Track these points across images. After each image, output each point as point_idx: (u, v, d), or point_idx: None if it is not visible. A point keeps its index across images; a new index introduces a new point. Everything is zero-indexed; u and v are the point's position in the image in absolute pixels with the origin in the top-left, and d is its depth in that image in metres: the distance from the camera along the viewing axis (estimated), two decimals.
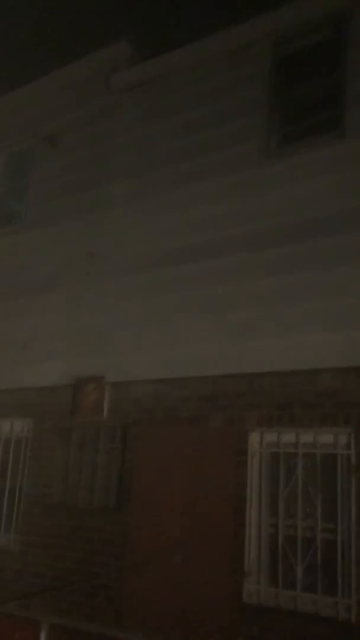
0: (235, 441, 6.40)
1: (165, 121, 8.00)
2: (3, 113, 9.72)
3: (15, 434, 8.28)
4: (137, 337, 7.38)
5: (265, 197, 6.93)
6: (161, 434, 6.95)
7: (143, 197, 7.89)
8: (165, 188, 7.72)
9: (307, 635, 5.54)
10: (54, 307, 8.23)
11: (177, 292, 7.22)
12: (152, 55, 8.24)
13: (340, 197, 6.41)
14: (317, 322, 6.20)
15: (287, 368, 6.27)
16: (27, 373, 8.15)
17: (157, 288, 7.40)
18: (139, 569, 6.50)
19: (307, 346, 6.18)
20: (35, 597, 7.12)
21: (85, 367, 7.63)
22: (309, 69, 7.11)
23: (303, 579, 5.78)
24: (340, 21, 6.89)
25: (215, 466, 6.42)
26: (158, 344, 7.20)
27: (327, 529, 5.79)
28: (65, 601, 6.95)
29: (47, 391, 7.98)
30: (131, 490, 7.00)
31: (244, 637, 5.82)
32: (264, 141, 7.13)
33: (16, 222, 9.48)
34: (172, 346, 7.08)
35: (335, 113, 6.74)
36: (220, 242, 7.06)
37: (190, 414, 6.81)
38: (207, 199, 7.31)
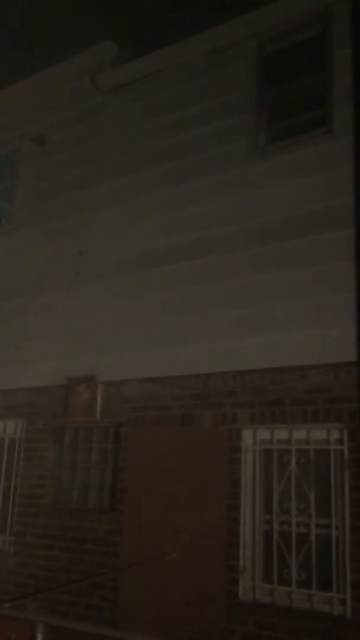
0: (228, 439, 6.42)
1: (152, 120, 7.98)
2: None
3: (9, 434, 8.29)
4: (128, 336, 7.39)
5: (254, 195, 6.94)
6: (154, 433, 6.96)
7: (132, 196, 7.88)
8: (153, 187, 7.71)
9: (303, 631, 5.57)
10: (44, 307, 8.23)
11: (167, 291, 7.22)
12: (138, 54, 8.21)
13: (329, 194, 6.44)
14: (305, 318, 6.23)
15: (277, 365, 6.29)
16: (19, 374, 8.16)
17: (147, 287, 7.40)
18: (134, 567, 6.51)
19: (297, 343, 6.20)
20: (31, 597, 7.13)
21: (76, 367, 7.64)
22: (296, 67, 7.10)
23: (298, 574, 5.82)
24: (326, 19, 6.90)
25: (208, 464, 6.44)
26: (148, 343, 7.20)
27: (321, 524, 5.83)
28: (60, 601, 6.96)
29: (40, 391, 8.00)
30: (124, 490, 7.02)
31: (240, 634, 5.85)
32: (252, 139, 7.13)
33: (5, 223, 9.46)
34: (163, 345, 7.08)
35: (322, 110, 6.75)
36: (208, 241, 7.06)
37: (182, 412, 6.83)
38: (196, 197, 7.31)
